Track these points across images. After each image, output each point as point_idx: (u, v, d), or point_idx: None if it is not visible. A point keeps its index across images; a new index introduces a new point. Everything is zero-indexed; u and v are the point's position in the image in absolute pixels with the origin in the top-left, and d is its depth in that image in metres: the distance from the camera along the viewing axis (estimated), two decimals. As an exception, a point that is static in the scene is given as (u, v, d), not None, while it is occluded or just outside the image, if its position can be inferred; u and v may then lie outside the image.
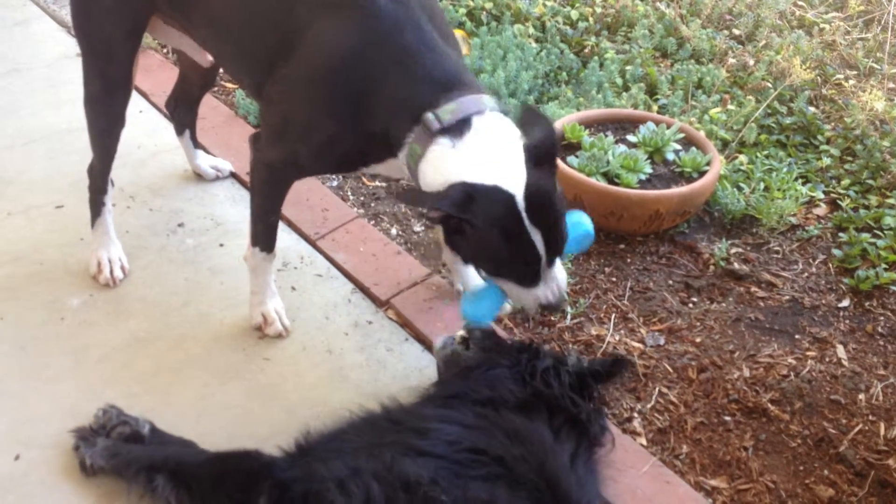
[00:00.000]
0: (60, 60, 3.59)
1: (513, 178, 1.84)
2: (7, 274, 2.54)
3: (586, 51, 3.65)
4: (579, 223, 2.08)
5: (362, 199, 3.00)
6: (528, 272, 1.94)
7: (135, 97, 3.35)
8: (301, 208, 2.90)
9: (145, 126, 3.25)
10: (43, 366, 2.27)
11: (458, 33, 3.59)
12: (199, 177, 3.03)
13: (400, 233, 2.86)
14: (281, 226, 2.81)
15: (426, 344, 2.43)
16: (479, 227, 1.85)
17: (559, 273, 1.99)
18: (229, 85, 3.53)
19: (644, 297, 2.60)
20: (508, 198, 1.83)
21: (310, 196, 2.95)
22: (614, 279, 2.65)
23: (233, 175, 3.04)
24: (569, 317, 2.51)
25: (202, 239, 2.76)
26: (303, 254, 2.74)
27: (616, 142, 2.88)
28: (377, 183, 3.07)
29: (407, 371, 2.35)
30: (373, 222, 2.88)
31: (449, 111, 1.88)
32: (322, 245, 2.77)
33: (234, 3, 2.14)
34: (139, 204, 2.88)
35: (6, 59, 3.61)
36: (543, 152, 1.88)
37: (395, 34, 1.92)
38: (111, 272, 2.55)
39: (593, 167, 2.75)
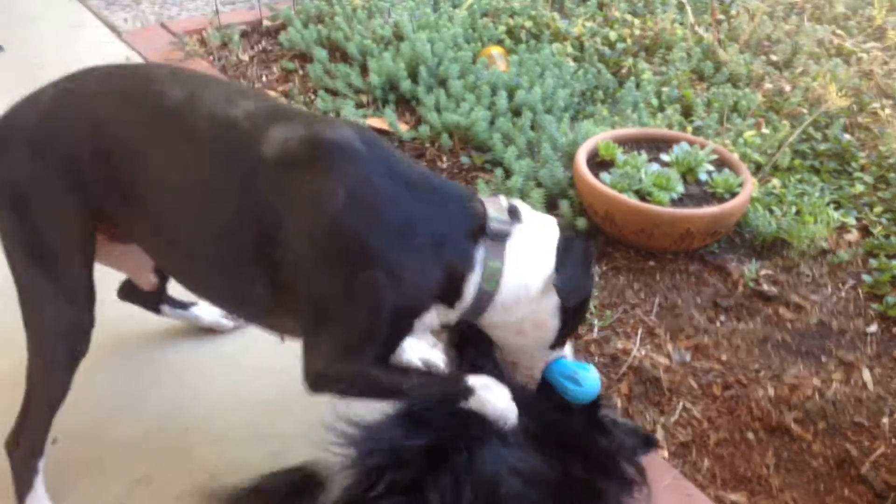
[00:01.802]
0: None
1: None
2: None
3: (623, 71, 3.69)
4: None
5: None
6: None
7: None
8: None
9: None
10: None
11: (497, 50, 3.65)
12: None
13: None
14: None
15: (454, 350, 2.47)
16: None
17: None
18: (272, 92, 3.61)
19: (672, 313, 2.63)
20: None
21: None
22: (643, 295, 2.68)
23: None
24: (595, 329, 2.54)
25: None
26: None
27: (649, 160, 2.91)
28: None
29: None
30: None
31: (496, 220, 1.74)
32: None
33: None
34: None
35: (59, 63, 3.70)
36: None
37: None
38: None
39: (626, 184, 2.79)
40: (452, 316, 1.78)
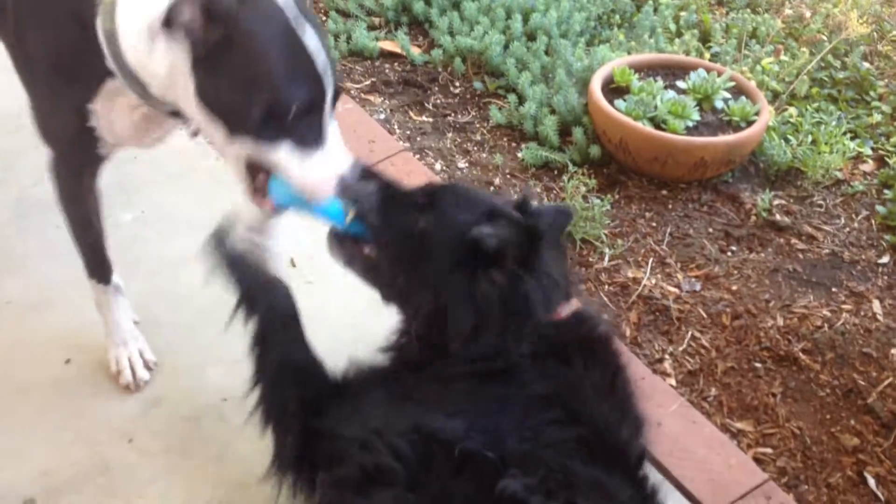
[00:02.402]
0: None
1: None
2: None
3: (641, -5, 3.62)
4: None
5: (408, 132, 3.03)
6: (314, 102, 1.48)
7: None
8: (348, 139, 2.90)
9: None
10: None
11: (513, -28, 3.57)
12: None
13: (444, 168, 2.89)
14: (328, 155, 2.88)
15: (465, 277, 2.47)
16: (236, 26, 1.41)
17: (338, 133, 1.57)
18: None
19: (683, 243, 2.62)
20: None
21: (357, 128, 2.99)
22: (654, 224, 2.67)
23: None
24: (606, 258, 2.54)
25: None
26: (348, 183, 2.78)
27: (665, 87, 2.87)
28: (424, 118, 3.10)
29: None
30: (418, 156, 2.91)
31: None
32: (367, 176, 2.81)
33: None
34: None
35: None
36: None
37: None
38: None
39: (640, 111, 2.75)
40: (133, 92, 1.57)
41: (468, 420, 1.47)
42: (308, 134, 1.50)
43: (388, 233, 1.60)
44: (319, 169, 1.52)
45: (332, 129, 1.54)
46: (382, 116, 3.09)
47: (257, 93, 1.45)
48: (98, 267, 2.04)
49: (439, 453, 1.43)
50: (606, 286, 2.48)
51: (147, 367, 2.10)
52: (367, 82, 3.24)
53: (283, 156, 1.50)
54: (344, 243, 1.67)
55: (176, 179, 2.69)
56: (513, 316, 1.53)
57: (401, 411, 1.53)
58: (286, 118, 1.46)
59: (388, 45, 3.37)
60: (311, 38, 1.44)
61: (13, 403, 2.01)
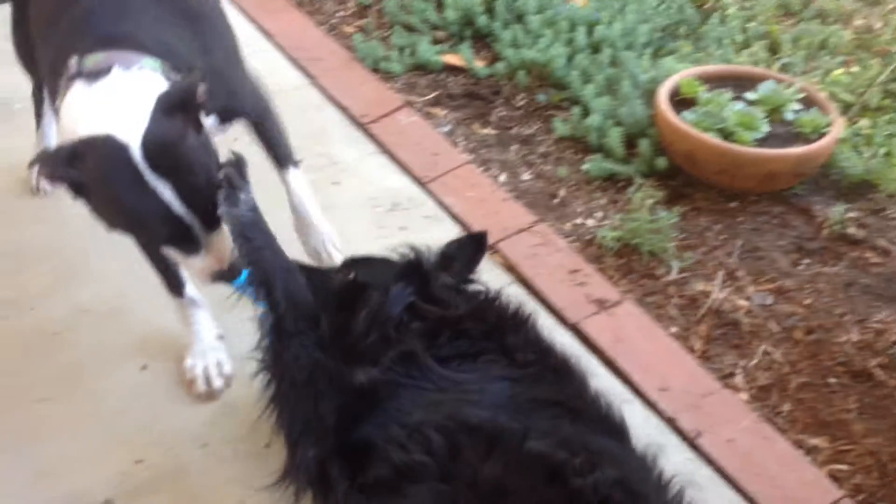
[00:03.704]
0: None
1: (132, 127, 1.63)
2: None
3: (707, 6, 3.58)
4: None
5: (472, 145, 3.04)
6: (173, 235, 1.72)
7: (257, 37, 3.49)
8: (413, 152, 2.96)
9: (267, 65, 3.34)
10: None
11: (576, -16, 3.57)
12: (318, 116, 3.10)
13: (508, 180, 2.89)
14: (392, 167, 2.91)
15: (530, 289, 2.47)
16: (89, 184, 1.65)
17: (225, 236, 1.76)
18: (348, 28, 3.60)
19: (753, 256, 2.58)
20: (119, 147, 1.61)
21: (421, 140, 3.01)
22: (724, 237, 2.63)
23: (348, 115, 3.11)
24: (675, 270, 2.51)
25: (318, 176, 2.84)
26: (412, 195, 2.80)
27: (733, 99, 2.84)
28: (487, 130, 3.10)
29: (511, 314, 2.39)
30: (481, 168, 2.92)
31: (94, 60, 1.72)
32: (432, 188, 2.83)
33: None
34: (260, 139, 2.98)
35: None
36: (176, 100, 1.68)
37: None
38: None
39: (708, 123, 2.72)
40: None
41: (495, 405, 1.59)
42: (184, 246, 1.75)
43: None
44: (198, 267, 1.78)
45: (216, 233, 1.75)
46: (446, 129, 3.10)
47: (121, 226, 1.74)
48: (170, 281, 2.15)
49: (468, 441, 1.47)
50: (675, 299, 2.45)
51: (223, 379, 2.17)
52: (431, 95, 3.26)
53: (175, 256, 1.80)
54: None
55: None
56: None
57: (437, 403, 1.60)
58: (154, 244, 1.82)
59: (451, 59, 3.38)
60: (163, 191, 1.63)
61: (92, 408, 2.06)
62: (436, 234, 2.64)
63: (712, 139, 2.68)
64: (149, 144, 1.62)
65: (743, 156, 2.66)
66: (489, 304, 1.82)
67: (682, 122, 2.73)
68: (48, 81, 1.90)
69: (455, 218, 2.72)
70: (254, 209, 1.73)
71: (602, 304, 2.39)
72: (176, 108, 1.68)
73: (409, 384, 1.64)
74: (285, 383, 1.66)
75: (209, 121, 1.96)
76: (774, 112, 2.82)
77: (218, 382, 2.16)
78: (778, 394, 2.20)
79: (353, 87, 3.23)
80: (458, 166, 2.91)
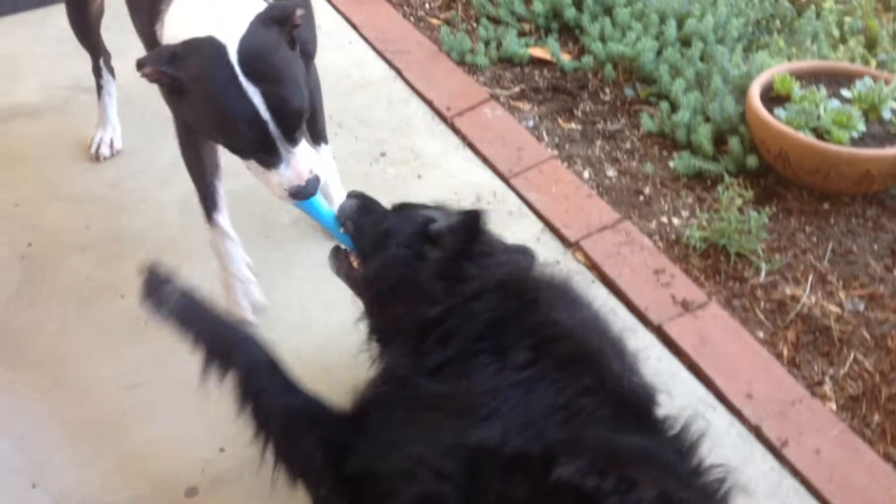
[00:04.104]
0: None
1: (231, 31, 1.74)
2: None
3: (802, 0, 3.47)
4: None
5: (557, 140, 3.01)
6: (257, 141, 1.80)
7: (345, 28, 3.52)
8: (497, 146, 2.95)
9: (354, 57, 3.38)
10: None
11: (667, -24, 3.50)
12: (403, 109, 3.12)
13: (592, 176, 2.86)
14: (476, 161, 2.91)
15: (613, 288, 2.44)
16: (188, 82, 1.75)
17: (305, 153, 1.88)
18: (434, 20, 3.60)
19: (846, 260, 2.50)
20: (219, 47, 1.73)
21: (506, 135, 2.99)
22: (815, 239, 2.56)
23: (433, 108, 3.12)
24: (763, 273, 2.45)
25: (402, 169, 2.87)
26: (496, 190, 2.79)
27: (829, 96, 2.75)
28: (572, 125, 3.07)
29: (593, 312, 2.37)
30: (566, 164, 2.89)
31: None
32: (515, 183, 2.82)
33: None
34: (346, 131, 3.01)
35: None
36: (274, 15, 1.80)
37: None
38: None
39: (802, 121, 2.64)
40: None
41: (501, 420, 1.48)
42: (266, 157, 1.84)
43: (362, 236, 1.90)
44: (276, 181, 1.88)
45: (298, 149, 1.86)
46: (531, 123, 3.08)
47: (206, 128, 1.89)
48: (206, 200, 2.30)
49: (484, 463, 1.43)
50: (762, 303, 2.39)
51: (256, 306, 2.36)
52: (517, 89, 3.24)
53: (254, 168, 1.90)
54: (338, 256, 1.97)
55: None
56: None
57: (434, 428, 1.53)
58: (237, 148, 1.85)
59: (537, 52, 3.36)
60: (253, 94, 1.73)
61: (178, 396, 2.12)
62: (518, 230, 2.64)
63: (806, 138, 2.60)
64: (245, 48, 1.73)
65: (838, 155, 2.58)
66: (498, 288, 1.68)
67: (775, 120, 2.66)
68: (138, 15, 2.02)
69: (538, 214, 2.70)
70: (183, 294, 1.74)
71: (687, 306, 2.34)
72: (273, 22, 1.80)
73: (399, 403, 1.61)
74: (267, 438, 1.68)
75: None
76: (871, 110, 2.72)
77: (251, 316, 2.34)
78: (868, 404, 2.14)
79: (438, 80, 3.24)
80: (542, 161, 2.89)
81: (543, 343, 1.57)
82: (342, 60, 3.35)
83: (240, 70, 1.72)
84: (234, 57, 1.72)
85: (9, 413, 2.12)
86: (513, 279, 1.69)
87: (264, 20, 1.79)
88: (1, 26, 3.54)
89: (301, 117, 1.83)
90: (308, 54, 2.21)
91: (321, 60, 3.23)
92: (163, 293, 1.73)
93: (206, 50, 1.74)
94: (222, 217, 2.32)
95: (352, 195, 1.98)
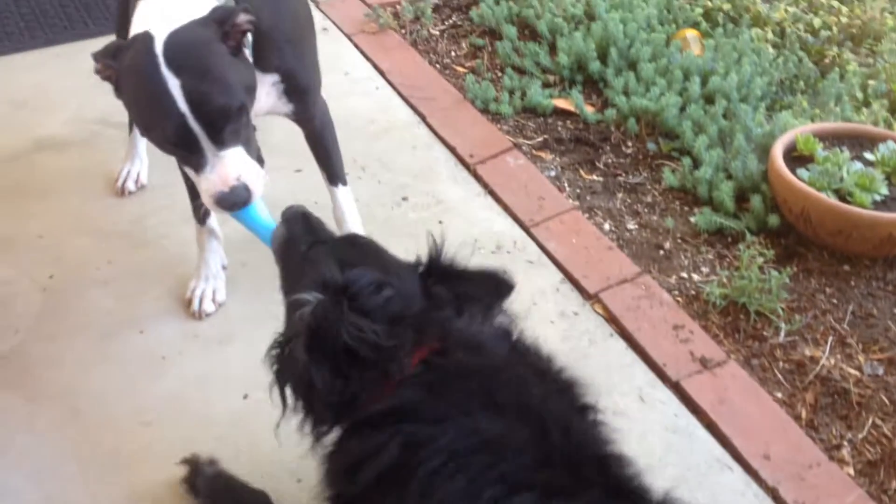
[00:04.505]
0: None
1: (168, 27, 1.78)
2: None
3: (826, 61, 3.49)
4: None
5: (578, 191, 3.03)
6: (177, 136, 1.78)
7: (372, 74, 3.57)
8: (518, 195, 2.96)
9: (380, 102, 3.41)
10: (273, 316, 2.44)
11: (692, 33, 3.54)
12: (426, 154, 3.14)
13: (613, 228, 2.87)
14: (497, 209, 2.92)
15: (631, 342, 2.44)
16: (121, 74, 1.81)
17: (235, 158, 1.84)
18: (460, 68, 3.64)
19: (866, 323, 2.49)
20: (147, 39, 1.77)
21: (528, 184, 3.01)
22: (835, 301, 2.55)
23: (456, 155, 3.14)
24: (783, 333, 2.44)
25: (424, 214, 2.88)
26: (516, 239, 2.80)
27: (852, 158, 2.76)
28: (594, 177, 3.09)
29: (609, 367, 2.37)
30: (587, 215, 2.90)
31: None
32: (535, 232, 2.83)
33: None
34: (369, 175, 3.03)
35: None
36: (214, 16, 1.82)
37: None
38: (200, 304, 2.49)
39: (824, 182, 2.65)
40: None
41: None
42: (192, 158, 1.84)
43: (282, 256, 1.78)
44: (204, 187, 1.86)
45: (227, 153, 1.83)
46: (553, 173, 3.10)
47: (135, 117, 1.96)
48: (196, 210, 2.40)
49: None
50: (781, 363, 2.38)
51: (215, 305, 2.48)
52: (540, 139, 3.27)
53: (187, 172, 1.92)
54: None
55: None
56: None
57: None
58: (163, 145, 1.86)
59: (561, 103, 3.39)
60: (173, 85, 1.74)
61: (193, 434, 2.11)
62: (538, 279, 2.64)
63: (828, 199, 2.61)
64: (172, 41, 1.77)
65: (859, 218, 2.58)
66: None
67: (798, 180, 2.66)
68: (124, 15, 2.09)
69: (558, 264, 2.70)
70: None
71: (706, 363, 2.34)
72: (212, 22, 1.82)
73: None
74: None
75: (270, 77, 2.12)
76: (894, 174, 2.72)
77: (209, 306, 2.47)
78: (886, 470, 2.11)
79: (462, 127, 3.26)
80: (563, 212, 2.90)
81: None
82: (368, 105, 3.39)
83: (162, 61, 1.75)
84: (159, 48, 1.76)
85: (26, 447, 2.12)
86: None
87: (204, 20, 1.83)
88: (35, 59, 3.60)
89: (227, 117, 1.81)
90: (299, 85, 2.23)
91: (347, 104, 3.33)
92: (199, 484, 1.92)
93: (138, 44, 1.79)
94: (210, 220, 2.47)
95: (287, 214, 1.83)
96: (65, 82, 3.43)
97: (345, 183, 2.56)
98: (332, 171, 2.52)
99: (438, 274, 1.57)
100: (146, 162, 2.93)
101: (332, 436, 1.51)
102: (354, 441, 1.44)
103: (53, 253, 2.69)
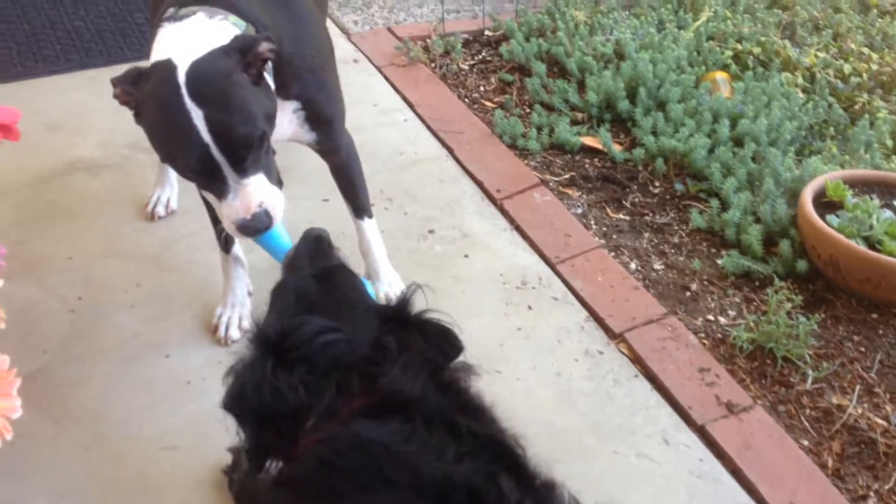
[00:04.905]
0: (340, 64, 3.82)
1: (190, 55, 1.79)
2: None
3: (856, 107, 3.49)
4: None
5: (605, 229, 3.03)
6: (200, 165, 1.80)
7: (400, 106, 3.59)
8: (544, 231, 2.97)
9: (408, 134, 3.44)
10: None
11: (722, 76, 3.55)
12: (453, 188, 3.16)
13: (639, 268, 2.86)
14: (523, 244, 2.92)
15: (656, 384, 2.42)
16: (142, 102, 1.83)
17: (257, 186, 1.85)
18: (489, 103, 3.66)
19: (893, 372, 2.47)
20: (170, 68, 1.78)
21: (554, 220, 3.01)
22: (863, 349, 2.53)
23: (483, 189, 3.15)
24: (810, 380, 2.42)
25: (449, 248, 2.89)
26: (541, 275, 2.80)
27: (882, 206, 2.75)
28: (621, 216, 3.09)
29: (634, 408, 2.35)
30: (613, 254, 2.90)
31: (186, 10, 1.92)
32: (561, 269, 2.82)
33: None
34: (396, 206, 3.05)
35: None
36: (236, 44, 1.84)
37: None
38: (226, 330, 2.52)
39: (854, 229, 2.64)
40: None
41: None
42: (215, 186, 1.85)
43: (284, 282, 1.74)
44: (226, 213, 1.87)
45: (249, 181, 1.84)
46: (579, 211, 3.10)
47: (156, 145, 1.89)
48: (219, 236, 2.42)
49: None
50: (808, 410, 2.36)
51: (241, 332, 2.50)
52: (567, 176, 3.27)
53: (212, 201, 1.92)
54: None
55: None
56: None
57: None
58: (185, 173, 1.88)
59: (589, 141, 3.40)
60: (196, 115, 1.75)
61: (215, 461, 2.10)
62: (563, 317, 2.64)
63: (857, 246, 2.59)
64: (194, 70, 1.78)
65: (889, 266, 2.56)
66: None
67: (827, 226, 2.65)
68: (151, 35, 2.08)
69: (583, 302, 2.70)
70: None
71: (732, 408, 2.32)
72: (234, 51, 1.83)
73: None
74: None
75: (291, 104, 2.14)
76: (925, 223, 2.71)
77: (235, 333, 2.50)
78: (915, 524, 2.08)
79: (489, 162, 3.28)
80: (589, 249, 2.90)
81: None
82: (397, 137, 3.41)
83: (185, 91, 1.76)
84: (182, 78, 1.77)
85: (50, 469, 2.12)
86: None
87: (226, 48, 1.83)
88: (70, 82, 3.65)
89: (250, 146, 1.82)
90: (320, 113, 2.24)
91: (376, 135, 3.36)
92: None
93: (160, 72, 1.80)
94: (235, 247, 2.49)
95: (303, 236, 1.84)
96: (98, 106, 3.47)
97: (370, 216, 2.57)
98: (358, 203, 2.53)
99: (399, 321, 1.56)
100: (176, 188, 2.96)
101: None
102: (263, 498, 1.49)
103: (82, 275, 2.71)
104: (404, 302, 1.58)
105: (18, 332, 2.43)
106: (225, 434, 2.12)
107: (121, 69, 1.91)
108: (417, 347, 1.49)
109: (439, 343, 1.52)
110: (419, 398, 1.40)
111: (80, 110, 3.46)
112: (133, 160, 3.21)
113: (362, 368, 1.44)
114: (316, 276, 1.66)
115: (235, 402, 1.42)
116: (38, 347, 2.44)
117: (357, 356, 1.46)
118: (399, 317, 1.56)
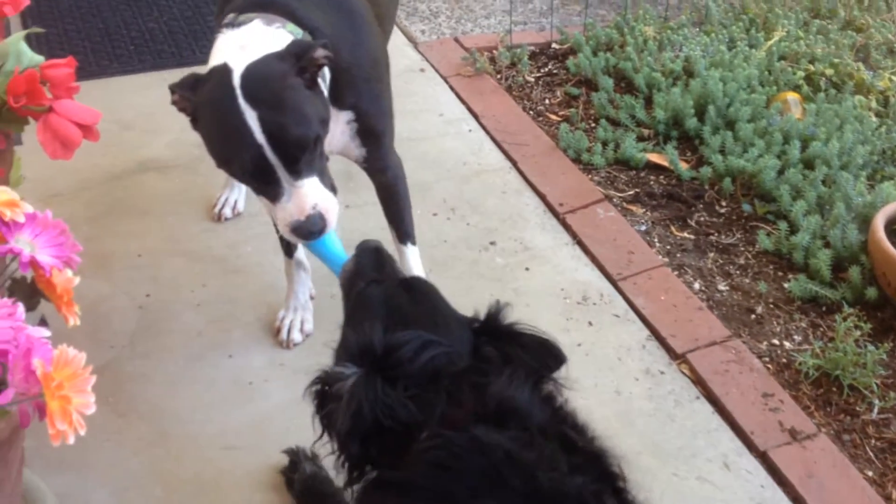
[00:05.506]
0: (406, 73, 3.87)
1: (245, 59, 1.83)
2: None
3: (931, 132, 3.42)
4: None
5: (668, 247, 3.00)
6: (254, 168, 1.81)
7: (465, 116, 3.60)
8: (607, 247, 2.95)
9: (472, 145, 3.44)
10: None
11: (793, 97, 3.49)
12: (516, 200, 3.15)
13: (703, 288, 2.83)
14: (585, 260, 2.91)
15: (718, 406, 2.39)
16: (198, 106, 1.85)
17: (312, 188, 1.86)
18: (554, 116, 3.65)
19: (965, 406, 2.40)
20: (226, 72, 1.81)
21: (617, 236, 2.99)
22: (933, 381, 2.47)
23: (546, 202, 3.14)
24: (875, 410, 2.37)
25: (510, 260, 2.88)
26: (603, 291, 2.78)
27: (957, 235, 2.68)
28: (685, 234, 3.05)
29: (695, 430, 2.32)
30: (676, 273, 2.87)
31: (245, 16, 1.96)
32: (623, 286, 2.80)
33: None
34: (458, 217, 3.05)
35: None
36: (291, 49, 1.87)
37: None
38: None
39: (927, 258, 2.58)
40: None
41: None
42: (269, 188, 1.87)
43: (347, 289, 1.77)
44: (280, 216, 1.89)
45: (303, 183, 1.85)
46: (643, 228, 3.08)
47: (211, 150, 1.90)
48: (283, 241, 2.44)
49: None
50: (873, 441, 2.31)
51: (303, 335, 2.53)
52: (631, 192, 3.25)
53: (265, 204, 1.95)
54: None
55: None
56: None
57: None
58: (241, 176, 1.92)
59: (655, 157, 3.37)
60: (250, 116, 1.78)
61: (275, 461, 2.13)
62: (624, 335, 2.62)
63: (931, 276, 2.53)
64: (249, 73, 1.81)
65: (963, 297, 2.50)
66: None
67: (897, 252, 2.60)
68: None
69: (645, 321, 2.67)
70: None
71: (795, 435, 2.28)
72: (289, 56, 1.86)
73: None
74: None
75: (345, 115, 2.16)
76: None
77: (297, 336, 2.52)
78: (984, 564, 2.02)
79: (553, 176, 3.27)
80: (652, 267, 2.87)
81: None
82: (460, 147, 3.42)
83: (240, 93, 1.79)
84: (237, 80, 1.80)
85: (113, 463, 2.16)
86: None
87: (282, 53, 1.87)
88: (142, 81, 3.73)
89: (303, 148, 1.83)
90: (373, 126, 2.24)
91: (440, 145, 3.37)
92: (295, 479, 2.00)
93: (217, 76, 1.84)
94: (298, 252, 2.50)
95: (360, 247, 1.85)
96: (170, 106, 3.52)
97: (414, 242, 2.51)
98: (402, 228, 2.48)
99: (492, 333, 1.56)
100: (244, 190, 3.00)
101: (359, 485, 1.50)
102: (367, 499, 1.45)
103: (150, 272, 2.76)
104: (496, 313, 1.58)
105: (88, 328, 2.45)
106: (284, 435, 2.17)
107: (193, 71, 1.94)
108: (521, 358, 1.49)
109: (541, 354, 1.53)
110: (531, 407, 1.40)
111: (152, 110, 3.52)
112: (202, 161, 3.25)
113: (469, 378, 1.44)
114: (403, 286, 1.67)
115: (354, 422, 1.40)
116: (106, 343, 2.50)
117: (460, 367, 1.47)
118: (491, 328, 1.57)
